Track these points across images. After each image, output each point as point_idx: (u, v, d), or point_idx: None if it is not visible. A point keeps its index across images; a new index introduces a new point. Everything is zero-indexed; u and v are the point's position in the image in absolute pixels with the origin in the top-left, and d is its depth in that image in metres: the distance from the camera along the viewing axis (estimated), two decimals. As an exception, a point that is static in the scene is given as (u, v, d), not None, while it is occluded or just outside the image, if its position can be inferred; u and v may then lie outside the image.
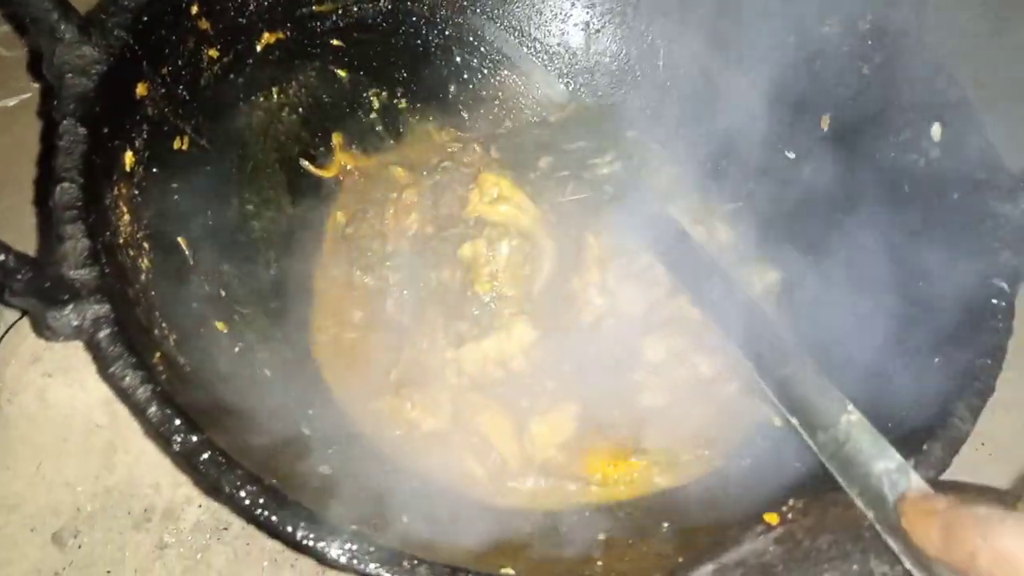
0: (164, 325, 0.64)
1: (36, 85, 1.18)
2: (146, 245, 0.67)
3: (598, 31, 1.01)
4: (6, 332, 0.80)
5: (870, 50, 0.84)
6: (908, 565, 0.50)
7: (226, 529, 0.77)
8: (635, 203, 0.90)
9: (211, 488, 0.52)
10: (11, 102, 1.17)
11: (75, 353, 0.76)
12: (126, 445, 0.77)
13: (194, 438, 0.53)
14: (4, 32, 1.24)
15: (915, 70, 0.80)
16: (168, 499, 0.78)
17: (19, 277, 0.53)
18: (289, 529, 0.51)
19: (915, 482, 0.53)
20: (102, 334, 0.55)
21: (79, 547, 0.75)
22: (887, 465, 0.55)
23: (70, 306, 0.55)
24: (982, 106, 0.77)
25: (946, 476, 0.59)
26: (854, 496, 0.56)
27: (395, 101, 0.97)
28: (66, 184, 0.60)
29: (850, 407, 0.60)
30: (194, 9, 0.76)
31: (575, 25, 1.01)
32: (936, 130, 0.77)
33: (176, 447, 0.52)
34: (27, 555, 0.74)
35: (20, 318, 0.80)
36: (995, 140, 0.74)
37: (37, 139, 1.09)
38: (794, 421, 0.63)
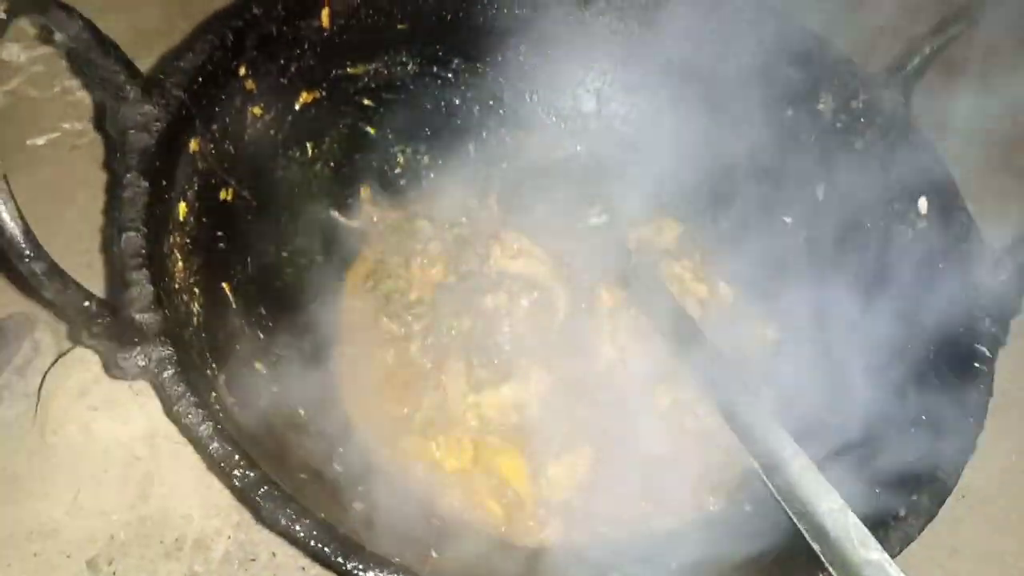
0: (214, 366, 0.68)
1: (65, 125, 1.22)
2: (196, 290, 0.72)
3: (609, 97, 1.08)
4: (51, 366, 0.84)
5: (862, 127, 0.91)
6: None
7: (254, 560, 0.81)
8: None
9: (268, 520, 0.56)
10: (40, 141, 1.21)
11: (120, 389, 0.80)
12: (162, 477, 0.81)
13: (252, 474, 0.57)
14: (35, 73, 1.28)
15: (904, 147, 0.87)
16: (199, 530, 0.81)
17: (99, 321, 0.57)
18: (340, 560, 0.55)
19: (852, 520, 0.63)
20: (166, 374, 0.60)
21: (113, 574, 0.78)
22: (831, 505, 0.65)
23: (138, 348, 0.60)
24: (965, 182, 0.85)
25: (929, 524, 0.65)
26: (803, 530, 0.66)
27: (419, 157, 1.03)
28: (132, 234, 0.65)
29: (802, 454, 0.70)
30: (242, 71, 0.81)
31: (587, 91, 1.08)
32: (923, 203, 0.83)
33: (236, 481, 0.57)
34: (63, 581, 0.78)
35: (66, 353, 0.85)
36: (994, 209, 0.81)
37: (65, 178, 1.14)
38: (756, 464, 0.73)
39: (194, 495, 0.82)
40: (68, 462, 0.80)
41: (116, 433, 0.80)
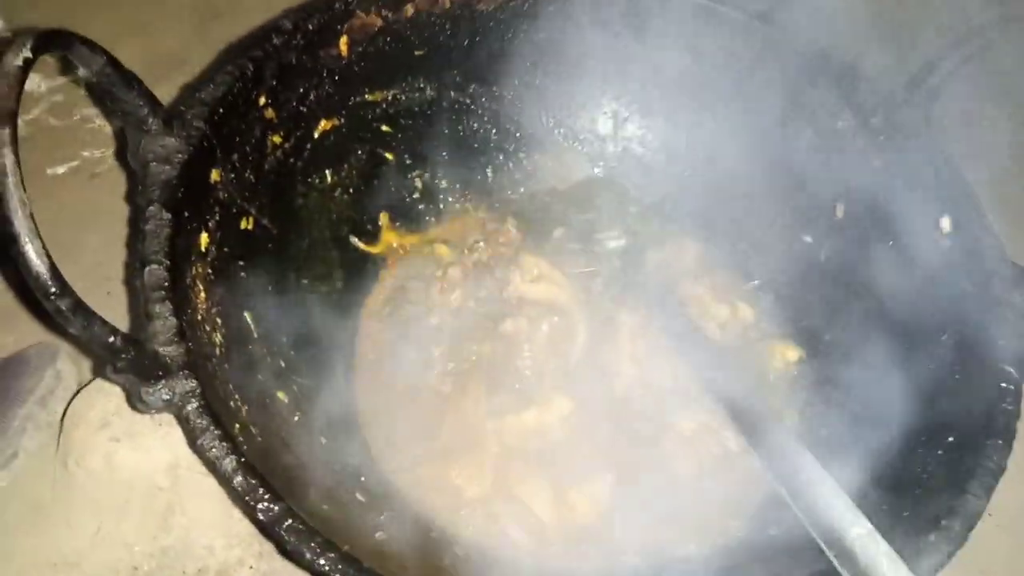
0: (237, 397, 0.68)
1: (85, 154, 1.24)
2: (218, 321, 0.72)
3: (625, 119, 1.08)
4: (74, 397, 0.84)
5: (882, 145, 0.90)
6: None
7: (276, 590, 0.81)
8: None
9: (292, 553, 0.56)
10: (60, 170, 1.22)
11: (142, 419, 0.81)
12: (184, 508, 0.81)
13: (276, 507, 0.57)
14: (56, 102, 1.30)
15: (924, 165, 0.86)
16: (221, 560, 0.81)
17: (124, 356, 0.58)
18: (365, 594, 0.55)
19: (883, 547, 0.62)
20: (190, 407, 0.60)
21: (136, 605, 0.79)
22: (859, 531, 0.63)
23: (163, 382, 0.60)
24: (990, 200, 0.84)
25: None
26: (831, 556, 0.64)
27: (436, 182, 1.03)
28: (154, 267, 0.65)
29: (828, 477, 0.69)
30: (262, 100, 0.82)
31: (604, 114, 1.08)
32: (946, 222, 0.83)
33: (261, 515, 0.57)
34: (86, 612, 0.78)
35: (87, 384, 0.85)
36: (1001, 232, 0.81)
37: (85, 206, 1.15)
38: (781, 489, 0.71)
39: (216, 526, 0.82)
40: (90, 493, 0.80)
41: (138, 464, 0.80)
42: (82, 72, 0.67)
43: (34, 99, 1.28)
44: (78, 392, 0.84)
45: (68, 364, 0.93)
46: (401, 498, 0.79)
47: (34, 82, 1.29)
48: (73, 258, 1.08)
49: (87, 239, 1.11)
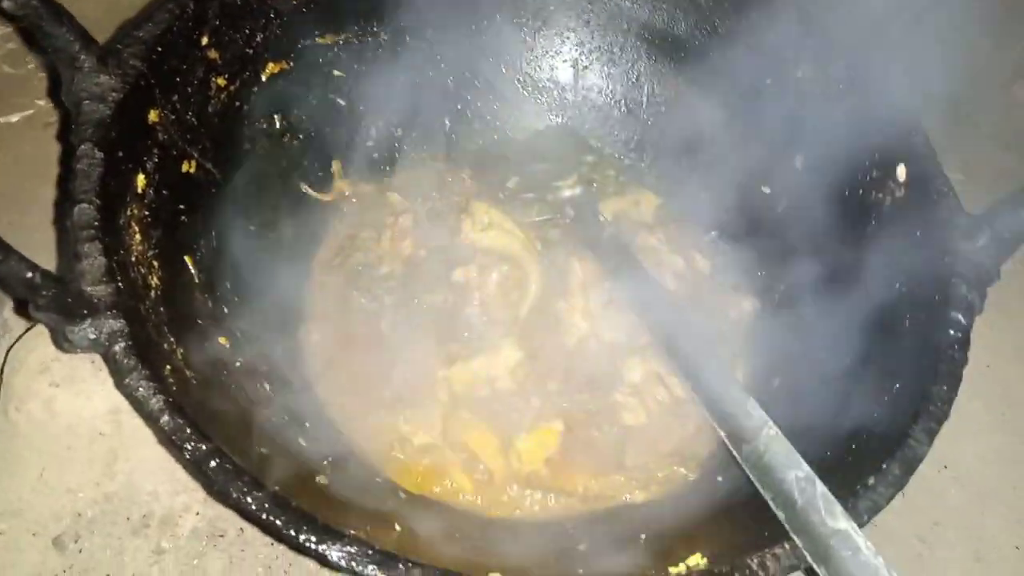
0: (172, 340, 0.67)
1: (39, 102, 1.21)
2: (155, 263, 0.70)
3: (586, 68, 1.06)
4: (15, 343, 0.83)
5: (842, 94, 0.89)
6: (811, 560, 0.59)
7: (222, 536, 0.80)
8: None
9: (219, 493, 0.55)
10: (14, 118, 1.20)
11: (82, 364, 0.79)
12: (127, 454, 0.81)
13: (204, 446, 0.56)
14: (9, 50, 1.26)
15: (883, 114, 0.85)
16: (166, 506, 0.81)
17: (44, 294, 0.56)
18: (293, 532, 0.54)
19: (820, 489, 0.62)
20: (117, 347, 0.59)
21: (79, 551, 0.78)
22: (797, 474, 0.64)
23: (88, 321, 0.58)
24: (947, 150, 0.83)
25: (910, 495, 0.63)
26: (769, 500, 0.64)
27: (392, 130, 1.01)
28: (84, 205, 0.64)
29: (770, 423, 0.69)
30: (204, 40, 0.80)
31: (564, 61, 1.06)
32: (901, 171, 0.82)
33: (187, 455, 0.56)
34: (28, 559, 0.77)
35: (28, 329, 0.84)
36: (965, 175, 0.80)
37: (40, 155, 1.12)
38: (722, 433, 0.71)
39: (160, 472, 0.81)
40: (32, 440, 0.79)
41: (79, 410, 0.79)
42: (6, 4, 0.65)
43: (-13, 46, 1.25)
44: (19, 338, 0.83)
45: (14, 315, 0.91)
46: (346, 445, 0.79)
47: (-14, 29, 1.26)
48: (27, 207, 1.06)
49: (41, 188, 1.08)
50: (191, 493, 0.81)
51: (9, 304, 0.91)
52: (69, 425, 0.79)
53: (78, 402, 0.79)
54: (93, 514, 0.80)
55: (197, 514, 0.81)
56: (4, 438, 0.80)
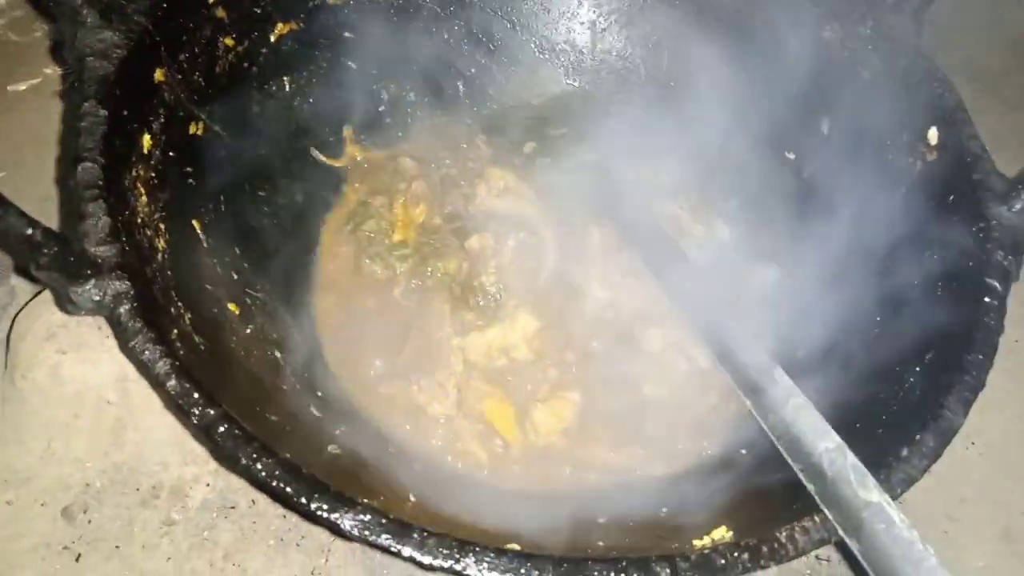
0: (180, 304, 0.65)
1: (47, 70, 1.19)
2: (162, 226, 0.68)
3: (604, 30, 1.03)
4: (21, 309, 0.81)
5: (870, 55, 0.85)
6: (842, 533, 0.56)
7: (233, 508, 0.78)
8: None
9: (227, 459, 0.54)
10: (22, 86, 1.18)
11: (89, 331, 0.78)
12: (136, 423, 0.79)
13: (212, 411, 0.54)
14: (15, 17, 1.25)
15: (913, 76, 0.82)
16: (176, 477, 0.79)
17: (45, 252, 0.54)
18: (304, 500, 0.52)
19: (851, 460, 0.59)
20: (122, 309, 0.57)
21: (88, 522, 0.76)
22: (827, 445, 0.61)
23: (92, 281, 0.56)
24: (980, 111, 0.80)
25: (936, 472, 0.61)
26: (798, 471, 0.62)
27: (404, 94, 0.99)
28: (88, 164, 0.61)
29: (797, 392, 0.66)
30: (212, -2, 0.77)
31: (582, 23, 1.03)
32: (933, 134, 0.79)
33: (195, 419, 0.54)
34: (37, 529, 0.76)
35: (35, 296, 0.82)
36: (990, 145, 0.76)
37: (47, 124, 1.11)
38: (748, 403, 0.69)
39: (170, 442, 0.79)
40: (39, 408, 0.78)
41: (85, 376, 0.77)
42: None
43: (-6, 14, 1.23)
44: (26, 304, 0.81)
45: (23, 280, 0.89)
46: (360, 414, 0.77)
47: (-8, -4, 1.25)
48: (36, 174, 1.04)
49: (50, 156, 1.07)
50: (201, 464, 0.79)
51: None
52: (76, 393, 0.77)
53: (85, 369, 0.77)
54: (102, 484, 0.78)
55: (207, 485, 0.79)
56: (11, 405, 0.79)
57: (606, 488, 0.75)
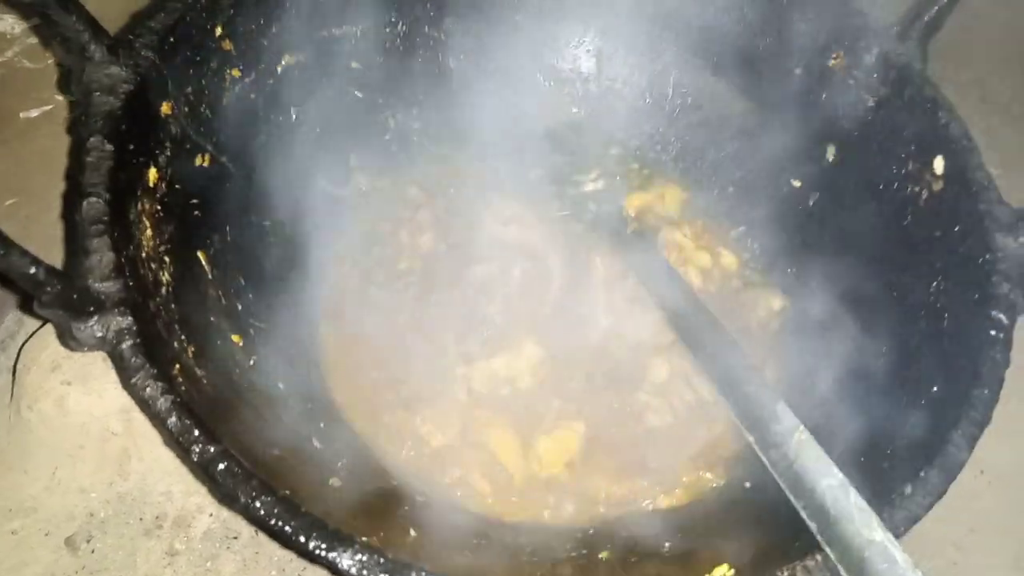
0: (183, 337, 0.65)
1: (59, 97, 1.20)
2: (167, 259, 0.69)
3: (610, 57, 1.03)
4: (27, 340, 0.82)
5: (876, 83, 0.85)
6: (844, 573, 0.55)
7: (236, 538, 0.78)
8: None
9: (227, 497, 0.53)
10: (34, 113, 1.19)
11: (94, 362, 0.78)
12: (140, 453, 0.79)
13: (212, 449, 0.54)
14: (29, 45, 1.26)
15: (919, 104, 0.81)
16: (180, 507, 0.79)
17: (48, 290, 0.54)
18: (302, 539, 0.52)
19: (854, 498, 0.58)
20: (125, 345, 0.57)
21: (92, 552, 0.77)
22: (830, 482, 0.60)
23: (95, 318, 0.57)
24: (991, 132, 0.79)
25: (945, 501, 0.60)
26: (800, 508, 0.61)
27: (410, 123, 0.99)
28: (93, 199, 0.62)
29: (801, 427, 0.65)
30: (218, 31, 0.78)
31: (587, 51, 1.03)
32: (939, 163, 0.78)
33: (195, 457, 0.54)
34: (41, 559, 0.76)
35: (41, 327, 0.82)
36: (1001, 166, 0.76)
37: (58, 151, 1.12)
38: (751, 438, 0.68)
39: (174, 472, 0.80)
40: (44, 438, 0.78)
41: (91, 407, 0.77)
42: (14, -6, 0.63)
43: (7, 41, 1.25)
44: (32, 335, 0.82)
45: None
46: (362, 446, 0.77)
47: (8, 24, 1.26)
48: (46, 203, 1.05)
49: (61, 184, 1.08)
50: (205, 494, 0.79)
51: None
52: (81, 424, 0.78)
53: (90, 400, 0.77)
54: (106, 514, 0.78)
55: (211, 515, 0.79)
56: (18, 436, 0.79)
57: (609, 521, 0.74)
